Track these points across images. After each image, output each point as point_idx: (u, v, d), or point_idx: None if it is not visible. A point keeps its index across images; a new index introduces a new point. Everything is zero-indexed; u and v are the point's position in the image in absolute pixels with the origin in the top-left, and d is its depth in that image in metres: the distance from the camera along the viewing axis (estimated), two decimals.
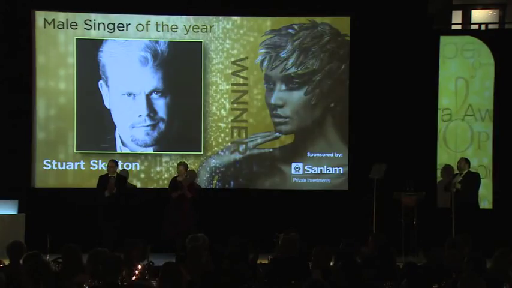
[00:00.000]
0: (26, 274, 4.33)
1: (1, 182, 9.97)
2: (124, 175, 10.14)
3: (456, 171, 10.03)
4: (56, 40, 10.45)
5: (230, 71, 10.65)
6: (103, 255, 5.53)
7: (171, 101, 10.57)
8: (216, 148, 10.68)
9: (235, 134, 10.70)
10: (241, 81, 10.68)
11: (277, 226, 9.17)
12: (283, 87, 10.66)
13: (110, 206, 9.53)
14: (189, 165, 10.19)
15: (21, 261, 5.50)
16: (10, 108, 10.31)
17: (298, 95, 10.66)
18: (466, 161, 9.95)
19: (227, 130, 10.68)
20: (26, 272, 4.35)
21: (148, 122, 10.53)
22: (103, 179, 9.75)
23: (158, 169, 10.60)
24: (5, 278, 4.21)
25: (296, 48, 10.61)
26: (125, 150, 10.52)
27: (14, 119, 10.31)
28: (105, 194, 9.57)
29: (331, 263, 5.78)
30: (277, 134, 10.71)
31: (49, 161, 10.43)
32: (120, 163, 10.41)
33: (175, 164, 10.30)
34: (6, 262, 5.88)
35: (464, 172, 9.86)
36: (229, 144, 10.69)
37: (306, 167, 10.70)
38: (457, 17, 11.38)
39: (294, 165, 10.70)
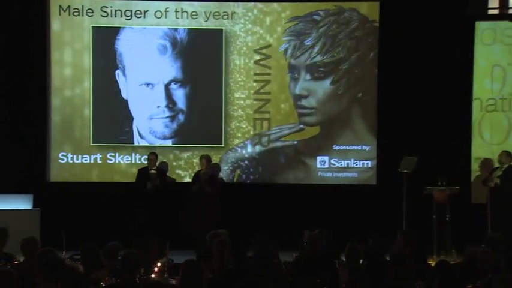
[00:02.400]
0: (40, 271, 4.36)
1: (15, 176, 10.07)
2: (164, 168, 10.19)
3: (496, 165, 9.89)
4: (71, 28, 10.50)
5: (252, 60, 10.63)
6: (118, 250, 5.56)
7: (190, 92, 10.58)
8: (237, 140, 10.68)
9: (257, 126, 10.68)
10: (264, 70, 10.65)
11: (301, 222, 9.18)
12: (308, 76, 10.61)
13: (151, 199, 9.60)
14: None
15: (35, 258, 5.54)
16: (24, 99, 10.39)
17: (323, 85, 10.61)
18: (508, 154, 9.77)
19: (249, 122, 10.66)
20: (40, 268, 4.38)
21: (167, 114, 10.55)
22: (143, 171, 9.82)
23: (177, 162, 10.62)
24: (18, 275, 4.24)
25: (322, 36, 10.55)
26: (143, 143, 10.56)
27: (29, 111, 10.39)
28: (147, 186, 9.64)
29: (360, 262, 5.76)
30: (301, 125, 10.67)
31: (64, 154, 10.51)
32: (137, 156, 10.47)
33: (196, 157, 10.35)
34: (21, 258, 5.94)
35: (505, 166, 9.70)
36: (252, 136, 10.68)
37: (331, 161, 10.65)
38: (493, 1, 11.20)
39: (319, 158, 10.66)
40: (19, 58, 10.38)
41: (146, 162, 10.06)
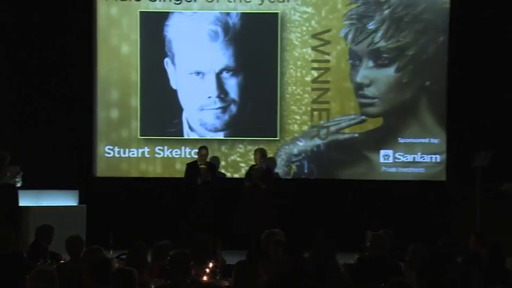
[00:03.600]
0: (85, 271, 4.43)
1: (61, 171, 10.26)
2: (215, 163, 10.27)
3: None
4: (118, 14, 10.64)
5: (310, 46, 10.57)
6: (168, 250, 5.60)
7: (243, 81, 10.60)
8: (293, 133, 10.66)
9: (315, 117, 10.64)
10: (322, 57, 10.59)
11: (363, 222, 9.12)
12: (371, 63, 10.52)
13: (202, 195, 9.71)
14: None
15: (81, 257, 5.65)
16: (69, 91, 10.58)
17: (387, 73, 10.51)
18: None
19: (306, 113, 10.63)
20: (86, 268, 4.45)
21: (219, 104, 10.60)
22: (192, 166, 9.92)
23: (229, 156, 10.66)
24: (63, 275, 4.32)
25: (386, 19, 10.43)
26: (193, 136, 10.64)
27: (73, 103, 10.58)
28: (197, 181, 9.74)
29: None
30: (363, 116, 10.58)
31: (111, 147, 10.68)
32: (187, 150, 10.56)
33: (249, 151, 10.38)
34: (67, 257, 6.07)
35: None
36: (309, 128, 10.64)
37: (396, 155, 10.55)
38: None
39: (382, 152, 10.57)
40: (63, 46, 10.57)
41: (196, 156, 10.13)
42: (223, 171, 10.57)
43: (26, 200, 9.85)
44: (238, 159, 10.67)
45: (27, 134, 10.43)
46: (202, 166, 9.84)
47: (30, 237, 7.88)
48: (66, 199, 10.11)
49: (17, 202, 9.75)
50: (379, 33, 10.47)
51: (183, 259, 4.99)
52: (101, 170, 10.71)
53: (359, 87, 10.58)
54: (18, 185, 9.74)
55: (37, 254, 6.26)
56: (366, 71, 10.56)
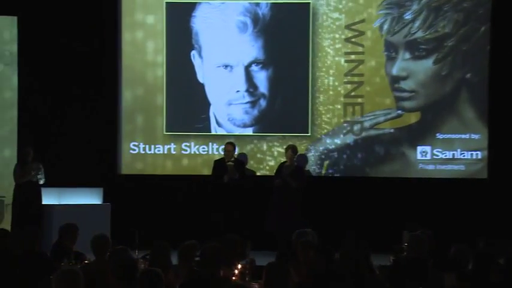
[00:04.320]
0: (112, 271, 4.47)
1: (84, 168, 10.36)
2: (243, 160, 10.30)
3: None
4: (143, 5, 10.70)
5: (343, 37, 10.55)
6: (195, 250, 5.63)
7: (273, 74, 10.61)
8: (326, 129, 10.64)
9: (348, 112, 10.62)
10: (356, 49, 10.56)
11: (399, 221, 9.08)
12: (408, 55, 10.47)
13: (229, 193, 9.74)
14: None
15: (107, 257, 5.70)
16: (93, 85, 10.67)
17: (425, 65, 10.47)
18: None
19: (339, 107, 10.60)
20: (112, 269, 4.49)
21: (247, 99, 10.62)
22: (219, 163, 9.96)
23: (258, 153, 10.68)
24: (89, 275, 4.36)
25: (424, 8, 10.38)
26: (221, 131, 10.67)
27: (98, 98, 10.67)
28: (224, 179, 9.77)
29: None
30: (399, 111, 10.54)
31: (136, 144, 10.75)
32: (214, 146, 10.60)
33: (279, 147, 10.36)
34: (91, 257, 6.12)
35: None
36: (342, 124, 10.62)
37: (434, 151, 10.50)
38: None
39: (420, 148, 10.52)
40: (87, 39, 10.67)
41: (223, 153, 10.16)
42: (252, 168, 10.58)
43: (49, 197, 9.97)
44: (268, 156, 10.66)
45: (52, 130, 10.56)
46: (230, 163, 9.87)
47: (53, 236, 7.96)
48: (90, 197, 10.19)
49: (40, 200, 9.88)
50: (417, 23, 10.41)
51: (216, 252, 5.02)
52: (126, 167, 10.79)
53: (395, 80, 10.53)
54: (41, 182, 9.86)
55: (61, 254, 6.30)
56: (402, 63, 10.51)
